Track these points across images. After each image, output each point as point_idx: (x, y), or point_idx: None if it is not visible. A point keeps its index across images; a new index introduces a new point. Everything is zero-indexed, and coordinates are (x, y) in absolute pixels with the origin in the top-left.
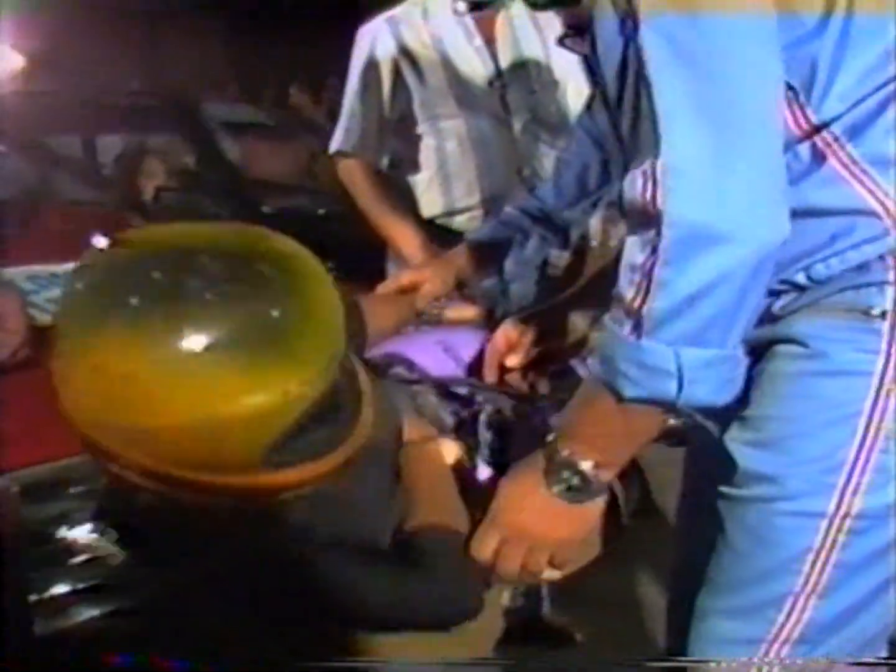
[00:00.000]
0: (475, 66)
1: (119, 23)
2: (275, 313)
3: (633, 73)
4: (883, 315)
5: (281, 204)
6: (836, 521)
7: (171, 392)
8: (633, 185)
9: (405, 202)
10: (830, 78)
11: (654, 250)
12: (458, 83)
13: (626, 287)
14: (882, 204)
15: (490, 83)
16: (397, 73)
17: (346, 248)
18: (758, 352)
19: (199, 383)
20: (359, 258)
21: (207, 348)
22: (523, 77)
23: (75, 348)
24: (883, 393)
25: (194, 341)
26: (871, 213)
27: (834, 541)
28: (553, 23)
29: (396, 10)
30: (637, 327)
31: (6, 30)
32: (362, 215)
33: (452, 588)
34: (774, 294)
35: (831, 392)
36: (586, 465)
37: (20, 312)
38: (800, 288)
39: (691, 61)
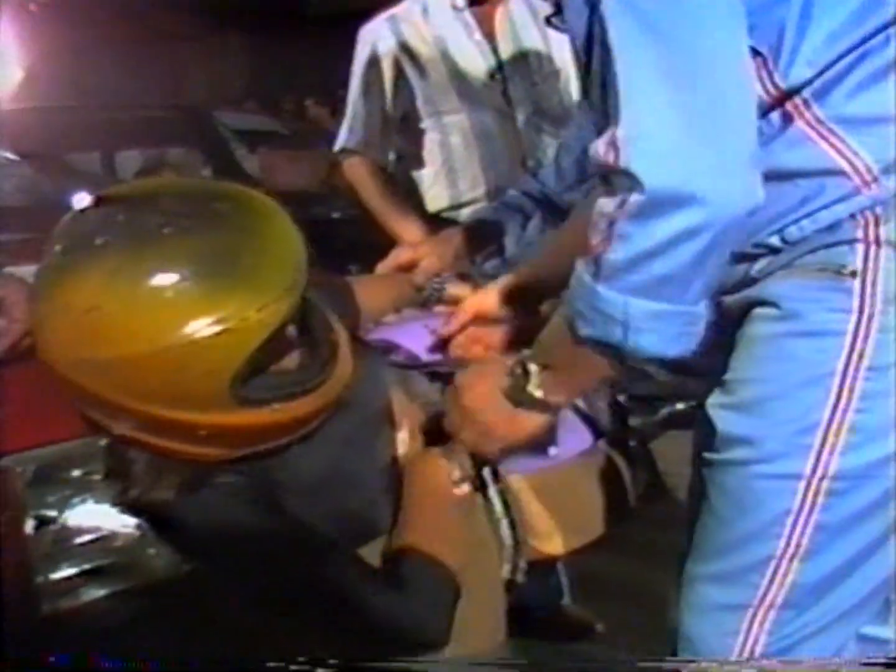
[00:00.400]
0: (476, 61)
1: (139, 37)
2: (229, 244)
3: (598, 42)
4: (853, 274)
5: (295, 210)
6: (814, 483)
7: (133, 322)
8: (598, 152)
9: (411, 199)
10: (797, 43)
11: (621, 205)
12: (459, 78)
13: (594, 234)
14: (850, 163)
15: (492, 77)
16: (399, 71)
17: (361, 251)
18: (739, 317)
19: (159, 312)
20: (374, 261)
21: (165, 279)
22: (524, 69)
23: (47, 291)
24: (855, 352)
25: (153, 273)
26: (840, 173)
27: (813, 502)
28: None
29: (396, 9)
30: (596, 273)
31: (26, 47)
32: (369, 214)
33: (422, 616)
34: (751, 258)
35: (804, 352)
36: (533, 370)
37: (25, 302)
38: (774, 250)
39: (654, 29)
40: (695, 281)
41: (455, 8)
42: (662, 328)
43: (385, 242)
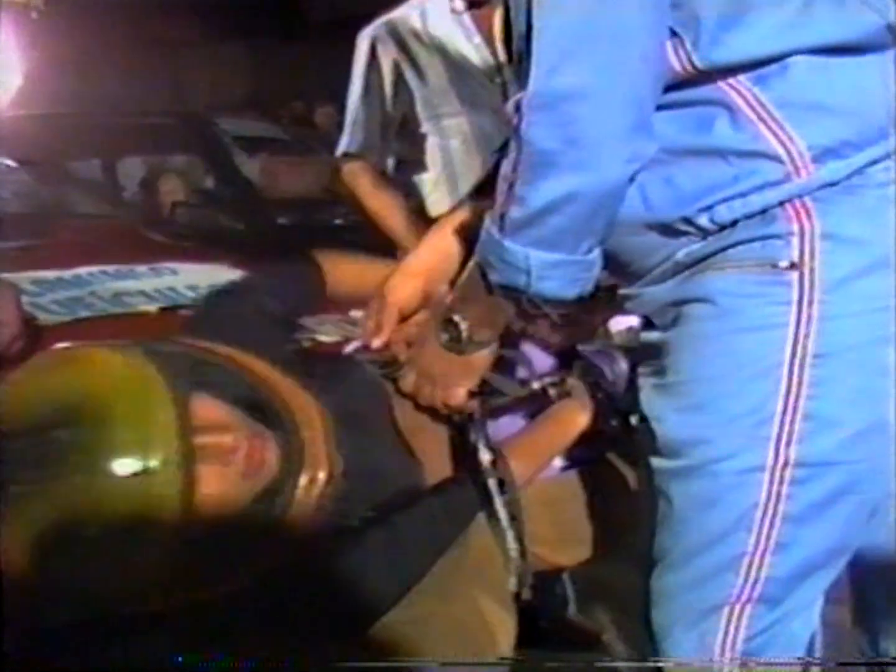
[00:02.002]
0: (475, 63)
1: (140, 44)
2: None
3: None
4: (792, 266)
5: (297, 217)
6: (777, 472)
7: None
8: (508, 113)
9: (411, 203)
10: (718, 32)
11: (515, 168)
12: (459, 81)
13: (499, 194)
14: (785, 147)
15: (491, 79)
16: (398, 75)
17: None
18: (671, 316)
19: None
20: None
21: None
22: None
23: None
24: (800, 342)
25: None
26: (774, 158)
27: (778, 493)
28: None
29: (395, 13)
30: (501, 228)
31: (27, 53)
32: (369, 219)
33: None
34: (678, 235)
35: (749, 347)
36: (464, 325)
37: (15, 306)
38: (703, 232)
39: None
40: (587, 234)
41: (454, 11)
42: (560, 275)
43: (386, 249)
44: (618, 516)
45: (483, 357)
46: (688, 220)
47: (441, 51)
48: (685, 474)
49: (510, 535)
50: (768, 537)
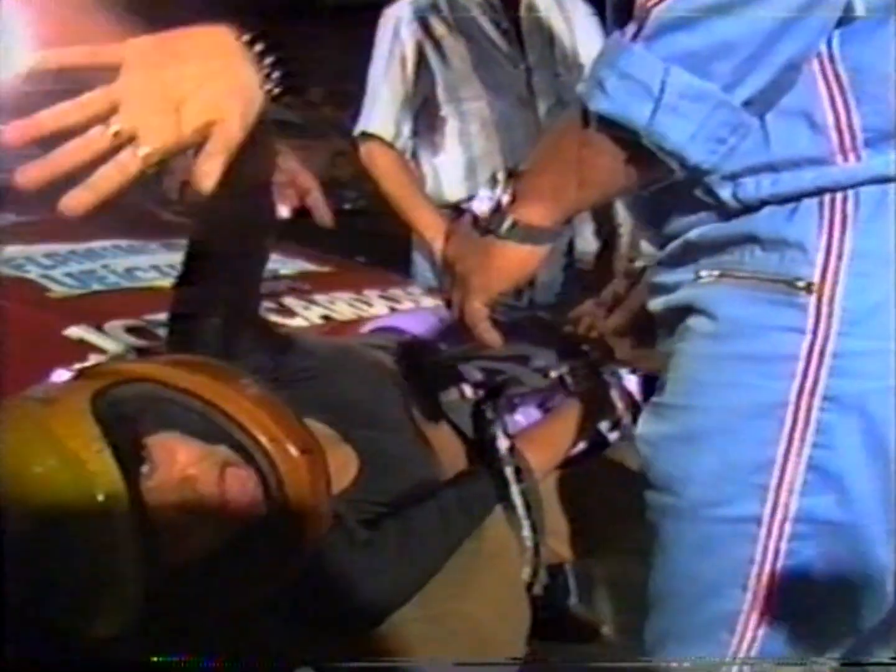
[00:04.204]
0: (500, 49)
1: (148, 25)
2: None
3: None
4: (809, 288)
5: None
6: (775, 527)
7: None
8: None
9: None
10: None
11: None
12: (482, 65)
13: None
14: (836, 118)
15: (515, 66)
16: (421, 55)
17: (372, 241)
18: (675, 323)
19: None
20: (384, 251)
21: None
22: (549, 60)
23: None
24: (809, 380)
25: None
26: (822, 128)
27: (776, 549)
28: (578, 5)
29: None
30: (638, 31)
31: (31, 32)
32: (384, 201)
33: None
34: (698, 207)
35: (752, 379)
36: (506, 198)
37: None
38: (725, 211)
39: None
40: (751, 70)
41: None
42: (697, 114)
43: (396, 235)
44: (625, 508)
45: (525, 253)
46: (709, 189)
47: (466, 34)
48: (676, 515)
49: (526, 524)
50: (765, 596)
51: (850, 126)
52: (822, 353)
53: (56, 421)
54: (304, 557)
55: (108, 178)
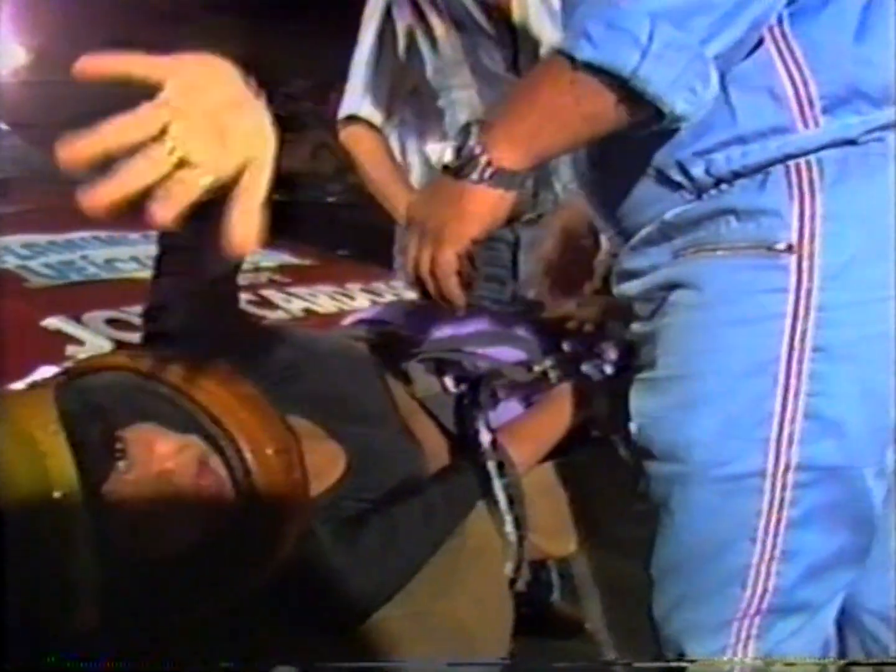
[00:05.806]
0: (490, 37)
1: (137, 16)
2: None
3: None
4: (790, 249)
5: (291, 193)
6: (779, 477)
7: None
8: None
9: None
10: None
11: None
12: (472, 54)
13: None
14: (795, 89)
15: (504, 54)
16: (412, 41)
17: (355, 234)
18: (657, 301)
19: None
20: (367, 243)
21: None
22: (538, 49)
23: None
24: (797, 333)
25: None
26: (781, 99)
27: (781, 498)
28: None
29: None
30: None
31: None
32: (367, 193)
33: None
34: (672, 186)
35: (743, 340)
36: (474, 140)
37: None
38: (698, 188)
39: None
40: (725, 27)
41: None
42: (679, 63)
43: (380, 227)
44: (611, 503)
45: (496, 197)
46: (682, 168)
47: (457, 21)
48: (682, 481)
49: (509, 520)
50: (773, 546)
51: (808, 95)
52: (807, 308)
53: (20, 406)
54: (281, 555)
55: (173, 202)
